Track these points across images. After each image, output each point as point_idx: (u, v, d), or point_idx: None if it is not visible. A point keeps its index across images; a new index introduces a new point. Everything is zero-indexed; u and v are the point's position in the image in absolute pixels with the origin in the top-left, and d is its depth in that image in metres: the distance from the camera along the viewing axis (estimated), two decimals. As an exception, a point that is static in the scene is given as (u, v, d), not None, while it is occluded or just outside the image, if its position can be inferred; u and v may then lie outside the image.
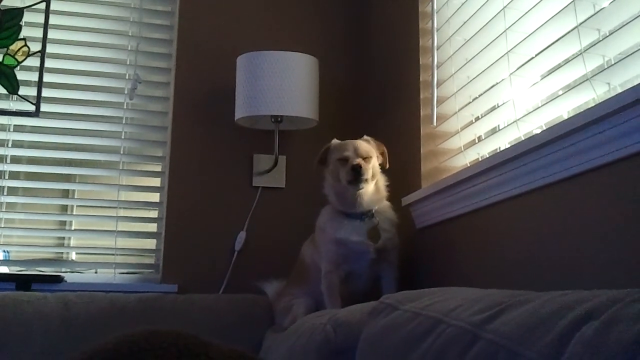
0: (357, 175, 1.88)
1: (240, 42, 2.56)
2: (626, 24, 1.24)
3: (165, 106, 2.66)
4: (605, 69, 1.31)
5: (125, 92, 2.59)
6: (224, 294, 2.41)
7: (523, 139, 1.55)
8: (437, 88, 2.06)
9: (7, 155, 2.50)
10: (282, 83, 2.32)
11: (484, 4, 1.82)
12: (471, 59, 1.88)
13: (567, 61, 1.43)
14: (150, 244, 2.60)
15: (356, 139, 2.00)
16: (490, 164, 1.58)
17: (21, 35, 2.48)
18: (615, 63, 1.28)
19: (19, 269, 2.49)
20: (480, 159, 1.84)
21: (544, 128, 1.52)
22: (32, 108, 2.47)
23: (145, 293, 2.26)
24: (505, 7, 1.68)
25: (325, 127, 2.43)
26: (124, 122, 2.62)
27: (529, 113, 1.57)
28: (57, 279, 2.34)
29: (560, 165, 1.34)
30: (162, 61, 2.70)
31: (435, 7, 2.11)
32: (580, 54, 1.35)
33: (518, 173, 1.49)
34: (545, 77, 1.53)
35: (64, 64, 2.61)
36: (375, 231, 1.93)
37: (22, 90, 2.48)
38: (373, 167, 1.94)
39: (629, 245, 1.15)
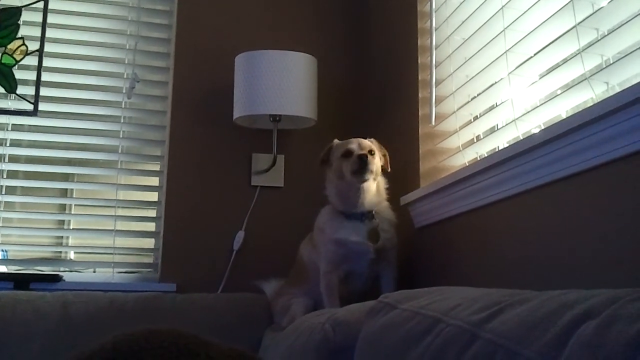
0: (362, 164, 1.88)
1: (239, 41, 2.56)
2: (625, 24, 1.25)
3: (163, 105, 2.66)
4: (603, 69, 1.31)
5: (124, 91, 2.59)
6: (223, 293, 2.41)
7: (521, 138, 1.55)
8: (435, 87, 2.06)
9: (5, 155, 2.50)
10: (281, 82, 2.32)
11: (482, 4, 1.82)
12: (470, 58, 1.88)
13: (565, 60, 1.43)
14: (149, 243, 2.60)
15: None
16: (488, 163, 1.59)
17: (19, 34, 2.48)
18: (613, 62, 1.28)
19: (17, 268, 2.49)
20: (478, 158, 1.84)
21: (543, 127, 1.52)
22: (31, 107, 2.47)
23: (144, 292, 2.26)
24: (503, 6, 1.68)
25: (324, 126, 2.43)
26: (122, 121, 2.62)
27: (528, 112, 1.58)
28: (56, 278, 2.34)
29: (559, 164, 1.34)
30: (160, 60, 2.70)
31: (433, 6, 2.11)
32: (579, 53, 1.35)
33: (516, 172, 1.49)
34: (543, 76, 1.53)
35: (62, 63, 2.61)
36: (375, 232, 1.93)
37: (20, 90, 2.47)
38: (376, 164, 1.94)
39: (628, 245, 1.15)
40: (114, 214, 2.56)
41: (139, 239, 2.71)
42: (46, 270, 2.48)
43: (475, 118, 1.91)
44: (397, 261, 1.99)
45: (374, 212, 1.96)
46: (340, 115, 2.60)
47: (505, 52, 1.65)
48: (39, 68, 2.47)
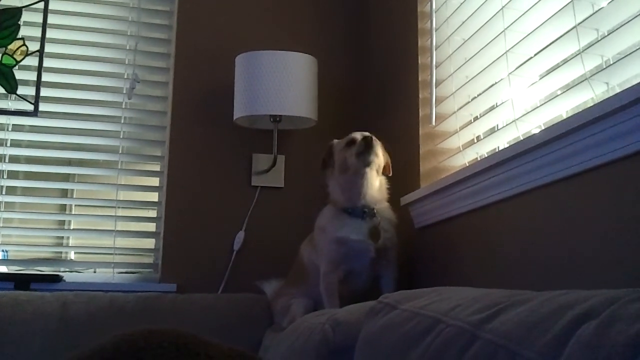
0: (368, 145, 1.89)
1: (239, 41, 2.56)
2: (625, 24, 1.24)
3: (164, 106, 2.66)
4: (603, 69, 1.31)
5: (124, 91, 2.59)
6: (223, 293, 2.41)
7: (522, 138, 1.55)
8: (435, 88, 2.06)
9: (5, 155, 2.50)
10: (281, 83, 2.32)
11: (482, 4, 1.82)
12: (470, 59, 1.88)
13: (565, 61, 1.43)
14: (149, 243, 2.60)
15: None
16: (489, 163, 1.59)
17: (20, 35, 2.48)
18: (613, 63, 1.28)
19: (17, 268, 2.49)
20: (479, 159, 1.84)
21: (543, 128, 1.52)
22: (31, 107, 2.47)
23: (144, 292, 2.26)
24: (504, 6, 1.68)
25: (324, 126, 2.43)
26: (122, 121, 2.62)
27: (528, 113, 1.58)
28: (56, 279, 2.34)
29: (559, 164, 1.34)
30: (160, 61, 2.70)
31: (434, 6, 2.11)
32: (579, 53, 1.35)
33: (517, 173, 1.49)
34: (544, 76, 1.53)
35: (63, 63, 2.61)
36: (376, 230, 1.93)
37: (21, 90, 2.47)
38: (379, 155, 1.94)
39: (628, 245, 1.15)
40: (114, 214, 2.56)
41: (139, 240, 2.71)
42: (46, 270, 2.48)
43: (476, 118, 1.91)
44: (397, 261, 1.98)
45: (375, 210, 1.96)
46: (341, 116, 2.60)
47: (506, 52, 1.65)
48: (40, 68, 2.48)
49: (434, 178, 2.01)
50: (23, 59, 2.47)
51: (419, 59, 2.17)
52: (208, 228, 2.50)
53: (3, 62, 2.46)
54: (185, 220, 2.49)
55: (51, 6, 2.53)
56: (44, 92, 2.50)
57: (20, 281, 2.28)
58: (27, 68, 2.50)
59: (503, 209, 1.59)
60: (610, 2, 1.30)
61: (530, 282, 1.41)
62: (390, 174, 2.02)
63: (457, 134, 1.95)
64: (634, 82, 1.15)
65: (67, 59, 2.62)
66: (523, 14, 1.58)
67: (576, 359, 0.68)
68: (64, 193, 3.25)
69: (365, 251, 1.92)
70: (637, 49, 1.20)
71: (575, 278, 1.29)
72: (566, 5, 1.39)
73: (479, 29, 1.82)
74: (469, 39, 1.89)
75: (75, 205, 3.33)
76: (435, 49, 2.09)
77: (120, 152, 2.63)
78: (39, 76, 2.47)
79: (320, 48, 2.58)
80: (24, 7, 2.51)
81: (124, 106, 2.61)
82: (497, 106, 1.78)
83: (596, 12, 1.33)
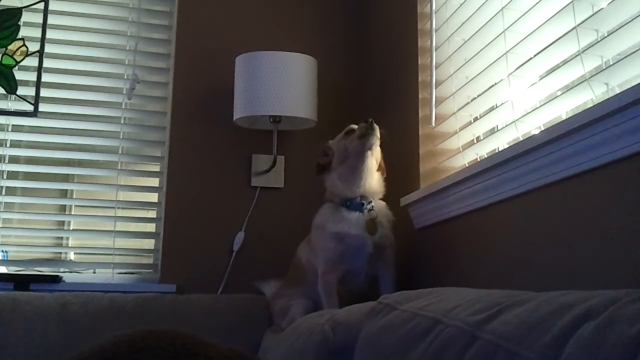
0: (370, 126, 1.91)
1: (239, 42, 2.56)
2: (625, 25, 1.24)
3: (163, 106, 2.66)
4: (603, 70, 1.31)
5: (124, 92, 2.59)
6: (223, 294, 2.41)
7: (522, 139, 1.55)
8: (435, 88, 2.06)
9: (5, 155, 2.50)
10: (281, 83, 2.32)
11: (482, 5, 1.82)
12: (470, 60, 1.88)
13: (565, 62, 1.43)
14: (149, 244, 2.60)
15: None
16: (488, 164, 1.59)
17: (19, 35, 2.48)
18: (613, 64, 1.28)
19: (17, 269, 2.49)
20: (478, 160, 1.84)
21: (543, 128, 1.52)
22: (31, 108, 2.47)
23: (144, 293, 2.26)
24: (503, 7, 1.68)
25: (324, 127, 2.43)
26: (122, 122, 2.63)
27: (528, 113, 1.57)
28: (56, 279, 2.34)
29: (559, 165, 1.34)
30: (160, 61, 2.70)
31: (434, 7, 2.11)
32: (579, 54, 1.35)
33: (517, 173, 1.49)
34: (543, 77, 1.53)
35: (63, 63, 2.61)
36: (373, 223, 1.93)
37: (21, 90, 2.48)
38: (377, 150, 1.97)
39: (627, 246, 1.15)
40: (114, 214, 2.56)
41: (139, 240, 2.71)
42: (46, 271, 2.48)
43: (475, 119, 1.91)
44: (395, 261, 1.99)
45: (372, 204, 1.96)
46: (340, 117, 2.59)
47: (505, 53, 1.65)
48: (39, 69, 2.48)
49: (433, 179, 2.01)
50: (23, 59, 2.48)
51: (419, 60, 2.17)
52: (208, 229, 2.50)
53: (3, 62, 2.46)
54: (185, 221, 2.49)
55: (51, 7, 2.53)
56: (44, 92, 2.50)
57: (20, 282, 2.28)
58: (26, 68, 2.50)
59: (503, 209, 1.59)
60: (610, 3, 1.30)
61: (530, 283, 1.41)
62: (385, 175, 2.02)
63: (456, 135, 1.95)
64: (634, 83, 1.15)
65: (67, 60, 2.62)
66: (523, 15, 1.58)
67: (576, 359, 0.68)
68: (64, 193, 3.25)
69: (363, 246, 1.92)
70: (637, 50, 1.20)
71: (574, 279, 1.29)
72: (566, 6, 1.39)
73: (479, 29, 1.82)
74: (468, 39, 1.89)
75: (74, 206, 3.33)
76: (435, 50, 2.09)
77: (120, 152, 2.63)
78: (39, 77, 2.48)
79: (320, 49, 2.58)
80: (24, 7, 2.51)
81: (123, 107, 2.61)
82: (496, 107, 1.78)
83: (596, 13, 1.33)
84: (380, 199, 2.01)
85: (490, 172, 1.59)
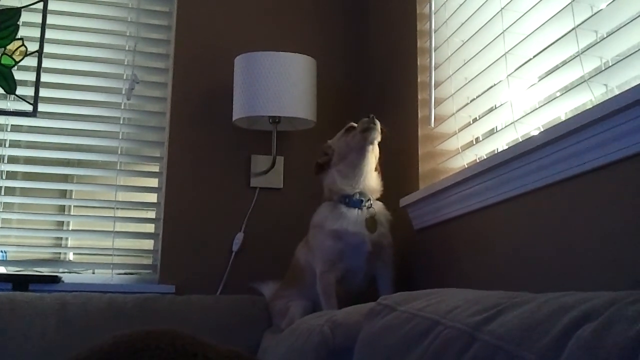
0: (372, 121, 1.93)
1: (238, 42, 2.56)
2: (624, 26, 1.25)
3: (162, 107, 2.66)
4: (602, 71, 1.31)
5: (123, 92, 2.59)
6: (222, 294, 2.41)
7: (521, 140, 1.55)
8: (434, 89, 2.07)
9: (4, 155, 2.50)
10: (280, 84, 2.32)
11: (481, 6, 1.82)
12: (469, 61, 1.88)
13: (564, 63, 1.43)
14: (148, 244, 2.60)
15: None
16: (488, 165, 1.59)
17: (19, 35, 2.48)
18: (612, 65, 1.28)
19: (16, 269, 2.49)
20: (478, 160, 1.84)
21: (542, 129, 1.52)
22: (30, 108, 2.47)
23: (143, 294, 2.26)
24: (502, 8, 1.68)
25: (323, 128, 2.42)
26: (121, 122, 2.62)
27: (527, 114, 1.58)
28: (55, 280, 2.33)
29: (558, 166, 1.34)
30: (159, 61, 2.70)
31: (433, 8, 2.11)
32: (578, 55, 1.35)
33: (516, 174, 1.49)
34: (542, 78, 1.53)
35: (62, 64, 2.61)
36: (373, 221, 1.93)
37: (20, 90, 2.47)
38: (376, 151, 1.99)
39: (627, 247, 1.15)
40: (113, 215, 2.56)
41: (138, 241, 2.71)
42: (45, 271, 2.48)
43: (475, 120, 1.91)
44: (393, 262, 1.99)
45: (371, 201, 1.96)
46: (340, 117, 2.57)
47: (505, 54, 1.65)
48: (39, 69, 2.47)
49: (432, 179, 2.01)
50: (22, 59, 2.47)
51: (418, 61, 2.17)
52: (207, 229, 2.50)
53: (2, 62, 2.46)
54: (184, 222, 2.49)
55: (50, 6, 2.53)
56: (43, 92, 2.50)
57: (19, 282, 2.28)
58: (26, 68, 2.50)
59: (502, 210, 1.59)
60: (609, 4, 1.30)
61: (530, 284, 1.41)
62: (380, 175, 2.03)
63: (456, 136, 1.95)
64: (633, 84, 1.15)
65: (66, 60, 2.62)
66: (522, 16, 1.58)
67: (575, 361, 0.68)
68: (63, 194, 3.25)
69: (361, 244, 1.91)
70: (636, 51, 1.20)
71: (574, 280, 1.29)
72: (565, 7, 1.39)
73: (478, 30, 1.82)
74: (468, 40, 1.89)
75: (74, 206, 3.33)
76: (434, 51, 2.09)
77: (119, 152, 2.63)
78: (38, 77, 2.47)
79: (320, 49, 2.58)
80: (23, 7, 2.51)
81: (123, 107, 2.61)
82: (496, 108, 1.78)
83: (595, 14, 1.33)
84: (378, 199, 2.01)
85: (489, 173, 1.59)
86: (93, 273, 2.64)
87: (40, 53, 2.48)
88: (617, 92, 1.27)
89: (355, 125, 1.99)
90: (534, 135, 1.44)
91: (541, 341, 0.74)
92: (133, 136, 2.70)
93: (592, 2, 1.36)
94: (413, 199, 2.02)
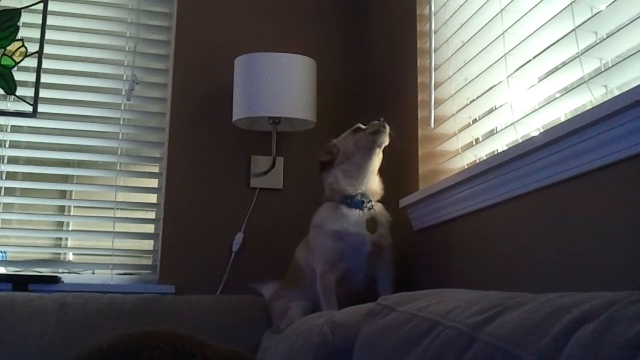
0: (383, 124, 1.94)
1: (238, 43, 2.56)
2: (623, 27, 1.25)
3: (162, 107, 2.66)
4: (602, 72, 1.31)
5: (123, 93, 2.59)
6: (222, 295, 2.41)
7: (520, 141, 1.55)
8: (434, 90, 2.07)
9: (4, 156, 2.50)
10: (280, 85, 2.32)
11: (481, 7, 1.82)
12: (469, 61, 1.88)
13: (564, 64, 1.44)
14: (148, 244, 2.60)
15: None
16: (487, 166, 1.59)
17: (19, 36, 2.48)
18: (612, 66, 1.28)
19: (16, 269, 2.49)
20: (477, 161, 1.84)
21: (542, 130, 1.52)
22: (30, 109, 2.47)
23: (143, 294, 2.26)
24: (502, 9, 1.68)
25: (323, 128, 2.43)
26: (121, 123, 2.62)
27: (527, 115, 1.58)
28: (54, 280, 2.33)
29: (558, 167, 1.34)
30: (159, 62, 2.70)
31: (433, 9, 2.11)
32: (578, 56, 1.35)
33: (516, 175, 1.49)
34: (542, 79, 1.53)
35: (62, 64, 2.61)
36: (373, 221, 1.94)
37: (20, 91, 2.47)
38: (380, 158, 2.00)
39: (627, 247, 1.15)
40: (112, 215, 2.56)
41: (138, 241, 2.71)
42: (45, 271, 2.48)
43: (474, 121, 1.91)
44: (393, 262, 1.99)
45: (372, 203, 1.96)
46: (339, 118, 2.59)
47: (504, 55, 1.65)
48: (39, 69, 2.48)
49: (432, 180, 2.01)
50: (22, 60, 2.47)
51: (418, 62, 2.17)
52: (207, 229, 2.50)
53: (2, 63, 2.46)
54: (184, 222, 2.49)
55: (50, 7, 2.53)
56: (43, 93, 2.50)
57: (19, 282, 2.28)
58: (26, 69, 2.50)
59: (502, 211, 1.59)
60: (609, 5, 1.31)
61: (529, 284, 1.41)
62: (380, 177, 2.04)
63: (455, 137, 1.95)
64: (633, 85, 1.15)
65: (66, 60, 2.62)
66: (522, 17, 1.58)
67: (574, 361, 0.68)
68: (63, 194, 3.25)
69: (362, 244, 1.92)
70: (636, 52, 1.20)
71: (574, 280, 1.29)
72: (565, 8, 1.39)
73: (478, 31, 1.82)
74: (467, 41, 1.89)
75: (73, 207, 3.33)
76: (434, 52, 2.09)
77: (119, 153, 2.63)
78: (38, 77, 2.47)
79: (319, 50, 2.58)
80: (23, 8, 2.51)
81: (122, 107, 2.61)
82: (495, 109, 1.78)
83: (595, 15, 1.34)
84: (378, 201, 2.01)
85: (489, 174, 1.59)
86: (93, 273, 2.64)
87: (40, 54, 2.48)
88: (616, 93, 1.27)
89: (363, 126, 2.00)
90: (533, 136, 1.44)
91: (541, 341, 0.75)
92: (133, 137, 2.70)
93: (592, 3, 1.36)
94: (413, 199, 2.02)
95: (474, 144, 1.90)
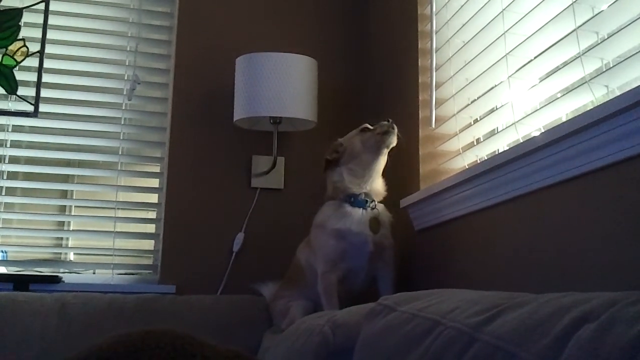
0: (392, 125, 1.96)
1: (240, 43, 2.56)
2: (625, 27, 1.25)
3: (164, 107, 2.66)
4: (603, 72, 1.31)
5: (124, 92, 2.59)
6: (223, 294, 2.41)
7: (521, 141, 1.55)
8: (435, 90, 2.07)
9: (5, 156, 2.50)
10: (281, 84, 2.32)
11: (482, 7, 1.82)
12: (470, 62, 1.88)
13: (565, 64, 1.44)
14: (149, 244, 2.60)
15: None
16: (488, 166, 1.59)
17: (20, 36, 2.48)
18: (613, 66, 1.28)
19: (17, 269, 2.49)
20: (478, 161, 1.84)
21: (543, 130, 1.52)
22: (31, 108, 2.47)
23: (144, 294, 2.26)
24: (504, 9, 1.68)
25: (324, 128, 2.43)
26: (122, 122, 2.63)
27: (528, 115, 1.58)
28: (55, 280, 2.34)
29: (559, 167, 1.34)
30: (161, 62, 2.70)
31: (434, 9, 2.11)
32: (579, 56, 1.35)
33: (516, 175, 1.49)
34: (543, 79, 1.53)
35: (63, 64, 2.61)
36: (376, 221, 1.94)
37: (21, 91, 2.48)
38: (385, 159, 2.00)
39: (627, 248, 1.15)
40: (113, 215, 2.56)
41: (139, 241, 2.71)
42: (46, 271, 2.48)
43: (476, 121, 1.91)
44: (394, 262, 1.99)
45: (375, 203, 1.96)
46: (341, 118, 2.60)
47: (506, 55, 1.65)
48: (40, 69, 2.48)
49: (433, 180, 2.01)
50: (23, 59, 2.48)
51: (419, 62, 2.17)
52: (207, 229, 2.50)
53: (3, 62, 2.46)
54: (185, 222, 2.49)
55: (52, 7, 2.53)
56: (44, 93, 2.50)
57: (20, 282, 2.28)
58: (27, 69, 2.50)
59: (503, 211, 1.59)
60: (610, 5, 1.31)
61: (530, 285, 1.41)
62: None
63: (456, 137, 1.95)
64: (634, 85, 1.15)
65: (68, 60, 2.62)
66: (523, 17, 1.58)
67: (575, 361, 0.68)
68: (64, 194, 3.25)
69: (364, 244, 1.92)
70: (637, 52, 1.20)
71: (574, 280, 1.29)
72: (566, 8, 1.39)
73: (479, 31, 1.82)
74: (469, 41, 1.89)
75: (74, 207, 3.33)
76: (435, 52, 2.09)
77: (120, 153, 2.63)
78: (39, 77, 2.48)
79: (321, 50, 2.58)
80: (24, 8, 2.51)
81: (124, 107, 2.61)
82: (497, 109, 1.78)
83: (596, 15, 1.33)
84: (380, 202, 2.01)
85: (490, 174, 1.59)
86: (93, 273, 2.64)
87: (41, 53, 2.48)
88: (618, 93, 1.27)
89: (370, 127, 2.00)
90: (534, 136, 1.44)
91: (541, 342, 0.74)
92: (134, 136, 2.70)
93: (593, 3, 1.36)
94: (414, 199, 2.02)
95: (475, 144, 1.90)
